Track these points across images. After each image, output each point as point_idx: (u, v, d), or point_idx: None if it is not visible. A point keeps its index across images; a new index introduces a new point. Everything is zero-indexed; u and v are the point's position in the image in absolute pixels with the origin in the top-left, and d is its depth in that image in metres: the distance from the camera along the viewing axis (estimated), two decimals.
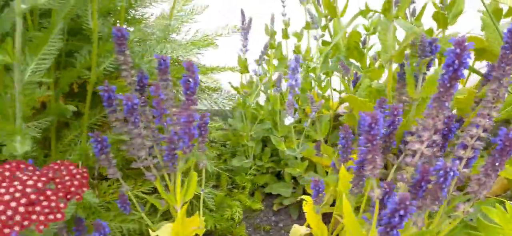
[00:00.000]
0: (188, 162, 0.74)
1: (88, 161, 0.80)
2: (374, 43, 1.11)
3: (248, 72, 1.10)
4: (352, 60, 1.07)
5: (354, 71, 1.19)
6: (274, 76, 1.11)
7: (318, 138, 0.95)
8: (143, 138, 0.71)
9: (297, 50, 1.22)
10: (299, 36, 1.19)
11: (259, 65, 0.95)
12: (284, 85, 1.16)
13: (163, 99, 0.69)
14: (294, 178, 1.08)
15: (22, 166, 0.45)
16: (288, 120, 0.87)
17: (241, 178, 1.06)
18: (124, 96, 0.66)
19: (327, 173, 0.97)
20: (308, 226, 0.94)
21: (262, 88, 1.04)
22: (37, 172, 0.45)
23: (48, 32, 0.57)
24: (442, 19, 1.01)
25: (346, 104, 1.23)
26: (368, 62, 1.11)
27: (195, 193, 0.79)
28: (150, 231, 0.77)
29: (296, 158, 1.00)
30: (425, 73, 0.77)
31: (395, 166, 0.68)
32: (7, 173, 0.44)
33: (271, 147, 1.09)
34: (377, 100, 0.78)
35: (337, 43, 1.11)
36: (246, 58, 1.06)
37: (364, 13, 1.03)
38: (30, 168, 0.46)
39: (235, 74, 1.20)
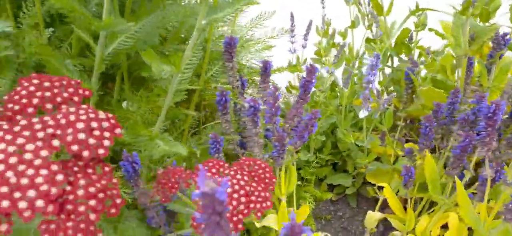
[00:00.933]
0: (293, 157, 0.82)
1: (191, 161, 0.87)
2: (420, 38, 1.21)
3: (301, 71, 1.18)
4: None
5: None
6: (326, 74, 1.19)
7: (384, 129, 1.05)
8: (258, 136, 0.78)
9: (338, 47, 1.31)
10: (344, 34, 1.28)
11: (334, 63, 1.04)
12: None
13: (279, 100, 0.76)
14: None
15: (221, 163, 0.52)
16: (363, 113, 0.96)
17: (304, 171, 1.15)
18: (250, 100, 0.73)
19: (394, 162, 1.06)
20: (381, 210, 1.04)
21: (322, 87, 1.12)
22: (235, 168, 0.53)
23: (193, 45, 0.64)
24: (485, 14, 1.12)
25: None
26: (416, 55, 1.21)
27: None
28: (255, 223, 0.84)
29: (361, 149, 1.09)
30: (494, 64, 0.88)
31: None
32: (213, 170, 0.51)
33: (330, 140, 1.18)
34: (451, 91, 0.88)
35: (383, 39, 1.21)
36: (306, 58, 1.15)
37: (414, 12, 1.13)
38: (226, 165, 0.53)
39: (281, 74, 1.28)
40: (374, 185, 1.12)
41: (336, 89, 1.18)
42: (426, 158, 0.87)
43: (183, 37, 0.78)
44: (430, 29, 1.17)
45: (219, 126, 1.13)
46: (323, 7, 1.35)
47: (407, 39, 1.21)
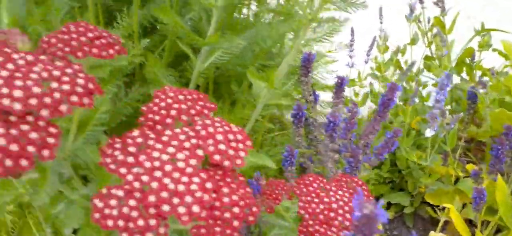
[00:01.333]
0: (367, 174, 0.85)
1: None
2: (482, 58, 1.23)
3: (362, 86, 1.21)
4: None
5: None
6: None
7: (447, 149, 1.06)
8: (333, 152, 0.81)
9: (397, 64, 1.34)
10: (403, 51, 1.30)
11: (402, 79, 1.06)
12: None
13: (357, 114, 0.79)
14: None
15: (320, 178, 0.55)
16: (430, 132, 0.98)
17: None
18: (331, 115, 0.76)
19: (455, 182, 1.08)
20: (442, 231, 1.05)
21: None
22: (334, 184, 0.56)
23: (290, 63, 0.68)
24: None
25: None
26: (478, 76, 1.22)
27: None
28: None
29: (421, 168, 1.11)
30: None
31: None
32: (314, 185, 0.54)
33: (390, 157, 1.20)
34: None
35: (442, 58, 1.22)
36: (367, 74, 1.17)
37: (479, 32, 1.15)
38: (324, 180, 0.56)
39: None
40: (431, 205, 1.13)
41: (397, 106, 1.21)
42: (497, 181, 0.88)
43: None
44: (494, 50, 1.18)
45: (279, 137, 1.17)
46: (381, 22, 1.37)
47: (469, 59, 1.22)
